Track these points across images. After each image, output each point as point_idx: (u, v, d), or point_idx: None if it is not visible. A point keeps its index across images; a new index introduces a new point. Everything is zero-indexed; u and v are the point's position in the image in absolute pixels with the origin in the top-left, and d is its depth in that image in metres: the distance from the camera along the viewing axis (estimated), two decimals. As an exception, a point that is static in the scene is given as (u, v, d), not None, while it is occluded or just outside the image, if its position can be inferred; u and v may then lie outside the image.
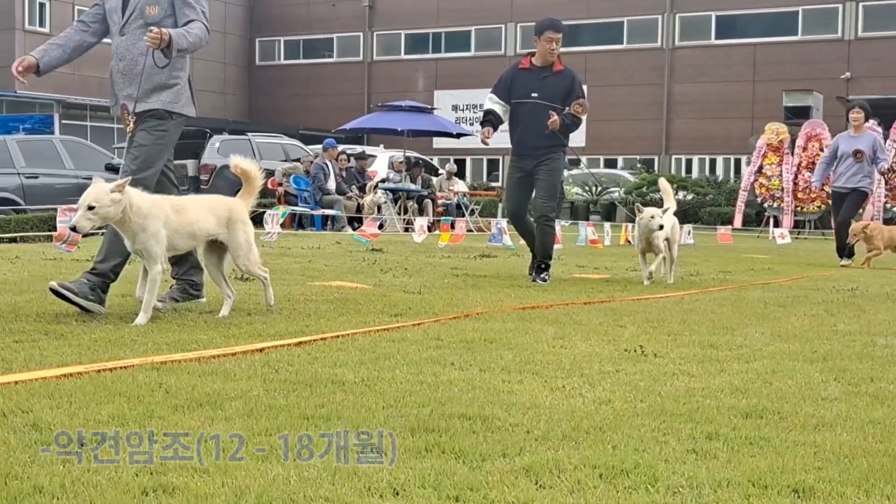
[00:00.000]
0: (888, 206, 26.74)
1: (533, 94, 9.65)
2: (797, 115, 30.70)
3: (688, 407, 3.85)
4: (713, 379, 4.46)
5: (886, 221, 28.33)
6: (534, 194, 9.80)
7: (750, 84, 39.78)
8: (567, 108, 9.58)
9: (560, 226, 16.20)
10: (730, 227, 21.98)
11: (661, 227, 9.31)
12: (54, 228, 10.30)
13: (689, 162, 41.50)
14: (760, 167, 28.09)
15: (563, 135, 9.67)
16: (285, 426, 3.37)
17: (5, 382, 3.87)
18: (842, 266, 13.23)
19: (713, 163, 41.00)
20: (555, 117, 9.45)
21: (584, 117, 9.81)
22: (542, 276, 9.56)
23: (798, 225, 27.38)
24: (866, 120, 13.91)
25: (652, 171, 37.78)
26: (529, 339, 5.53)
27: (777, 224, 26.25)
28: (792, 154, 27.63)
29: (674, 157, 41.65)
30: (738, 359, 5.04)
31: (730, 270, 11.82)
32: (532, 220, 9.77)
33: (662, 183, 10.71)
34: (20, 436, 3.16)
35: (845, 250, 13.62)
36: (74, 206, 9.52)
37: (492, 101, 9.87)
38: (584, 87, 10.17)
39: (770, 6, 40.03)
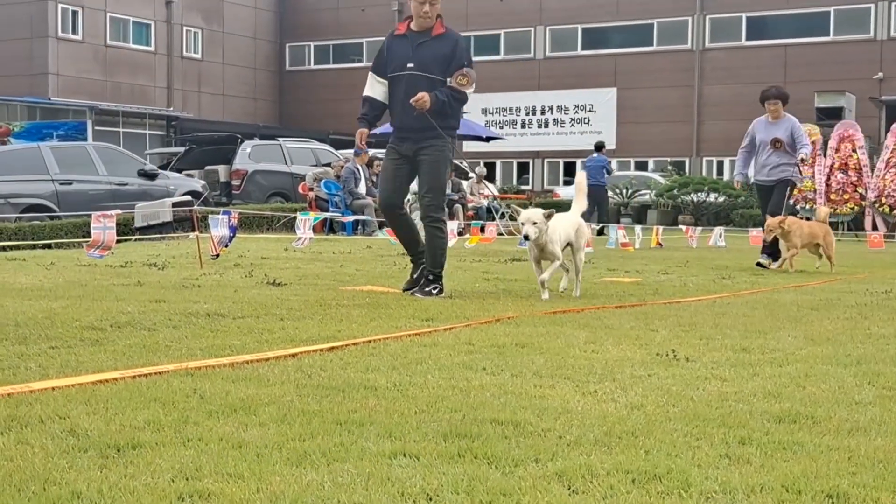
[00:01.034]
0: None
1: (409, 66, 8.21)
2: (829, 117, 30.50)
3: (720, 411, 3.84)
4: (746, 383, 4.45)
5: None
6: (418, 189, 8.58)
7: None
8: (449, 81, 8.14)
9: (591, 228, 16.17)
10: (762, 229, 21.83)
11: (528, 238, 7.92)
12: (88, 235, 10.40)
13: (720, 164, 41.29)
14: (793, 169, 27.86)
15: (439, 115, 8.14)
16: (318, 431, 3.39)
17: (43, 388, 3.92)
18: (757, 264, 12.39)
19: (745, 165, 40.76)
20: (422, 95, 8.00)
21: (470, 91, 8.23)
22: (428, 288, 8.15)
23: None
24: (784, 104, 12.66)
25: (683, 173, 37.64)
26: (561, 343, 5.53)
27: (809, 226, 26.02)
28: (824, 156, 27.44)
29: (705, 159, 41.47)
30: (770, 363, 5.02)
31: (761, 273, 11.77)
32: (402, 213, 8.55)
33: (578, 178, 9.25)
34: (58, 441, 3.20)
35: (767, 248, 12.57)
36: (109, 212, 9.62)
37: (371, 83, 8.47)
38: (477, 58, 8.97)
39: (801, 7, 39.79)
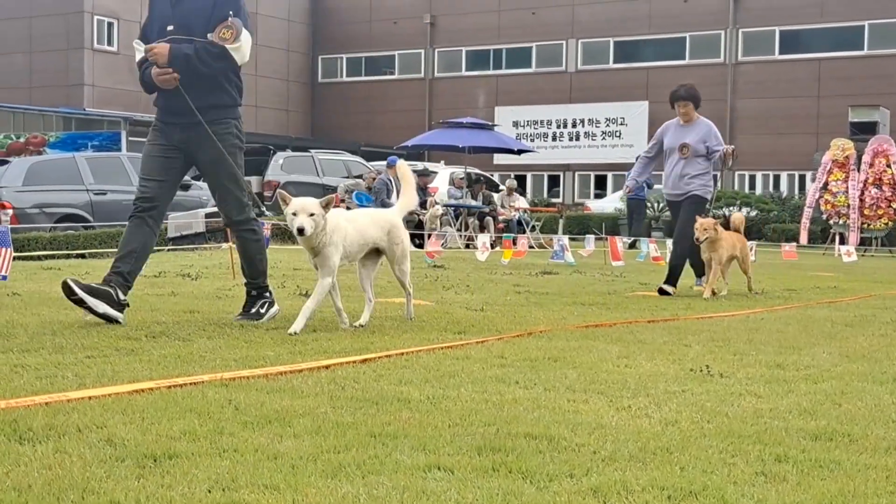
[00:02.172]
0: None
1: (169, 28, 6.55)
2: (863, 131, 30.27)
3: (756, 428, 3.82)
4: (781, 400, 4.42)
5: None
6: (212, 195, 7.12)
7: (815, 99, 39.32)
8: (210, 37, 6.46)
9: (623, 243, 16.14)
10: (794, 244, 21.71)
11: (302, 232, 6.11)
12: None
13: (752, 178, 41.09)
14: (826, 183, 27.72)
15: (200, 88, 6.55)
16: (353, 444, 3.40)
17: (80, 398, 3.95)
18: (659, 291, 10.31)
19: (777, 179, 40.57)
20: (152, 47, 6.44)
21: (235, 46, 6.46)
22: (254, 308, 6.78)
23: (864, 242, 26.96)
24: (696, 107, 10.89)
25: (715, 187, 37.46)
26: (594, 357, 5.52)
27: (843, 241, 25.88)
28: (858, 170, 27.24)
29: (737, 172, 41.27)
30: (805, 379, 4.99)
31: (795, 288, 11.69)
32: (152, 221, 6.67)
33: (400, 167, 7.48)
34: (95, 451, 3.23)
35: (677, 274, 10.52)
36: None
37: (137, 53, 6.76)
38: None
39: (835, 20, 39.58)
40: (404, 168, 7.35)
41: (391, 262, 6.84)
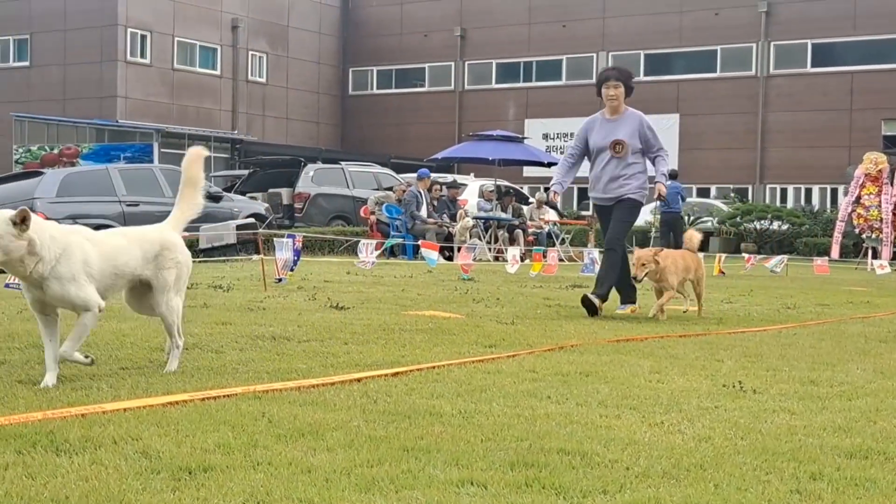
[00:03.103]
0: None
1: None
2: (896, 145, 30.03)
3: (790, 445, 3.79)
4: (815, 417, 4.39)
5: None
6: None
7: (847, 112, 39.06)
8: None
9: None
10: (826, 258, 21.56)
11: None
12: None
13: (783, 191, 40.84)
14: (858, 197, 27.52)
15: None
16: (386, 458, 3.41)
17: (115, 409, 3.99)
18: (584, 302, 8.99)
19: (808, 192, 40.31)
20: None
21: None
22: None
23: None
24: (626, 96, 9.53)
25: (746, 200, 37.28)
26: (625, 372, 5.51)
27: (876, 255, 25.67)
28: (892, 184, 27.01)
29: (768, 186, 41.04)
30: (839, 396, 4.95)
31: (827, 303, 11.60)
32: None
33: (184, 162, 5.45)
34: (131, 463, 3.25)
35: (606, 288, 9.17)
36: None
37: None
38: None
39: (868, 34, 39.32)
40: (188, 162, 5.41)
41: (154, 292, 5.06)
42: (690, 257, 9.53)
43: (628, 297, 9.57)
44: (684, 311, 9.72)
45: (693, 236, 9.92)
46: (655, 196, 9.45)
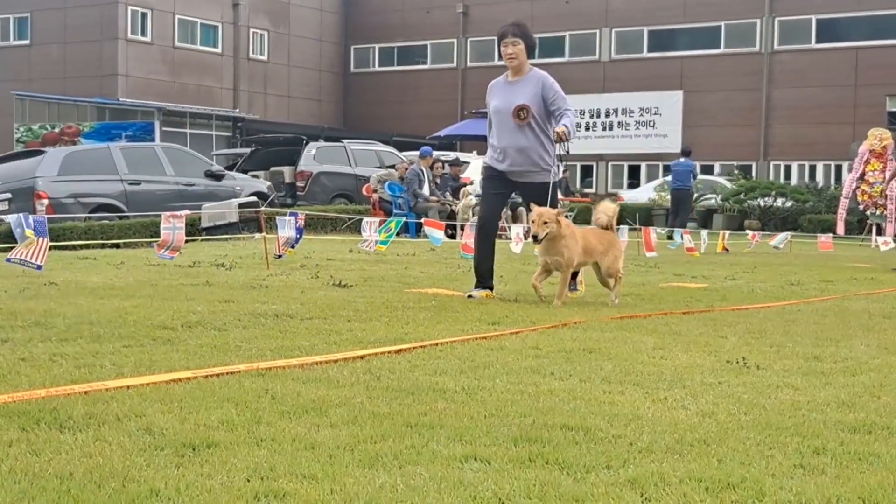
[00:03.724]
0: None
1: None
2: (901, 121, 29.92)
3: (794, 420, 3.79)
4: (819, 392, 4.39)
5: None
6: None
7: (852, 88, 38.92)
8: None
9: (655, 233, 16.07)
10: (831, 235, 21.53)
11: None
12: (156, 234, 10.55)
13: (787, 168, 40.75)
14: (863, 174, 27.45)
15: None
16: (389, 434, 3.41)
17: (118, 387, 3.99)
18: (468, 296, 7.99)
19: (813, 169, 40.21)
20: None
21: None
22: None
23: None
24: (529, 56, 8.25)
25: (749, 177, 37.20)
26: (629, 349, 5.50)
27: (880, 232, 25.63)
28: None
29: (772, 163, 40.95)
30: (843, 371, 4.95)
31: (831, 280, 11.59)
32: None
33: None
34: (135, 439, 3.26)
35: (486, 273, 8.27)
36: (178, 213, 9.75)
37: None
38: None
39: (873, 8, 39.12)
40: None
41: None
42: (598, 237, 8.04)
43: (480, 279, 8.32)
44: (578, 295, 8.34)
45: (605, 209, 8.27)
46: (554, 138, 8.00)
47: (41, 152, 18.81)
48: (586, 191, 40.37)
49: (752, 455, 3.28)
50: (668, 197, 31.50)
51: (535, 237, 7.60)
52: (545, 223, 7.51)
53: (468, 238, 13.79)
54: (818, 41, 40.34)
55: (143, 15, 40.33)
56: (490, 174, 8.45)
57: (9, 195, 17.08)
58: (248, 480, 2.85)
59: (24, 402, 3.67)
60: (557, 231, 7.57)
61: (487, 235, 8.38)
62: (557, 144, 8.03)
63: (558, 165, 8.29)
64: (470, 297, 7.97)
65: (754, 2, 40.95)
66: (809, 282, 11.17)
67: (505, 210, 22.62)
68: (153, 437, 3.29)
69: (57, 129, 34.24)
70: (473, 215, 20.99)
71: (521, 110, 8.08)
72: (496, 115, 8.30)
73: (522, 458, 3.16)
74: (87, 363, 4.60)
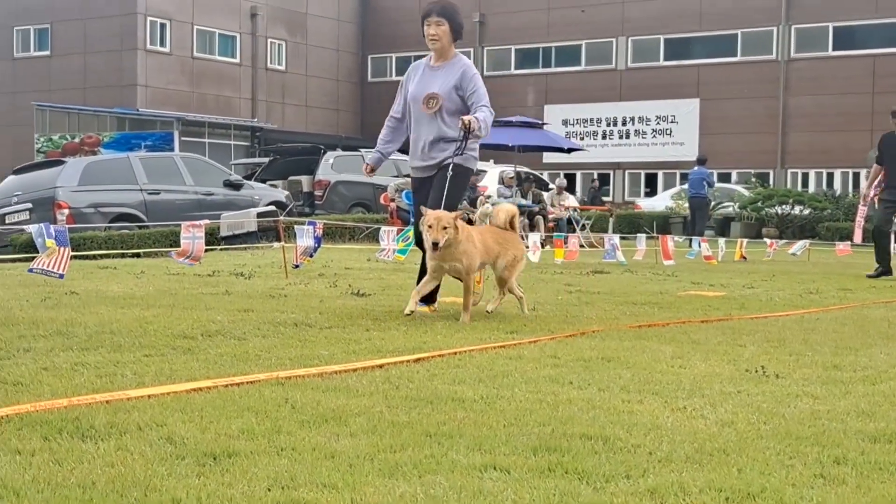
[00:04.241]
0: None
1: None
2: (919, 128, 29.75)
3: (813, 430, 3.78)
4: (838, 401, 4.38)
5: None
6: None
7: (869, 96, 38.79)
8: None
9: (673, 241, 16.06)
10: (849, 242, 21.42)
11: None
12: (176, 244, 10.60)
13: (805, 176, 40.62)
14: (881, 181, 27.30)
15: None
16: (409, 443, 3.42)
17: (139, 396, 4.01)
18: (406, 315, 6.84)
19: (830, 177, 40.07)
20: None
21: None
22: None
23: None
24: (455, 39, 7.52)
25: (767, 185, 37.10)
26: (647, 357, 5.50)
27: (899, 240, 25.47)
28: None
29: (790, 170, 40.82)
30: (863, 381, 4.93)
31: (850, 288, 11.55)
32: None
33: None
34: (156, 449, 3.28)
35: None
36: (198, 222, 9.80)
37: None
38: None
39: (890, 16, 39.00)
40: None
41: None
42: (495, 237, 7.37)
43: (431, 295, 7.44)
44: (488, 311, 7.36)
45: (503, 212, 7.57)
46: (459, 125, 7.19)
47: (62, 162, 18.95)
48: (603, 199, 40.32)
49: (772, 465, 3.28)
50: (686, 205, 31.46)
51: (434, 245, 6.74)
52: (444, 228, 6.75)
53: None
54: (835, 48, 40.23)
55: (162, 25, 40.56)
56: (414, 181, 7.74)
57: (30, 205, 17.21)
58: (269, 490, 2.87)
59: (46, 411, 3.70)
60: (454, 237, 6.81)
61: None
62: (461, 132, 7.22)
63: (461, 153, 7.33)
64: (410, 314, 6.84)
65: (771, 10, 40.88)
66: (828, 290, 11.13)
67: (523, 219, 22.62)
68: (174, 446, 3.31)
69: (77, 140, 34.46)
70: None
71: (430, 99, 7.39)
72: (411, 104, 7.53)
73: (542, 467, 3.17)
74: (109, 372, 4.63)
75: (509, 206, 7.76)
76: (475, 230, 7.34)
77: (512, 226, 7.56)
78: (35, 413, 3.67)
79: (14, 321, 6.22)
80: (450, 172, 7.28)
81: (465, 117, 7.19)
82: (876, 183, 13.83)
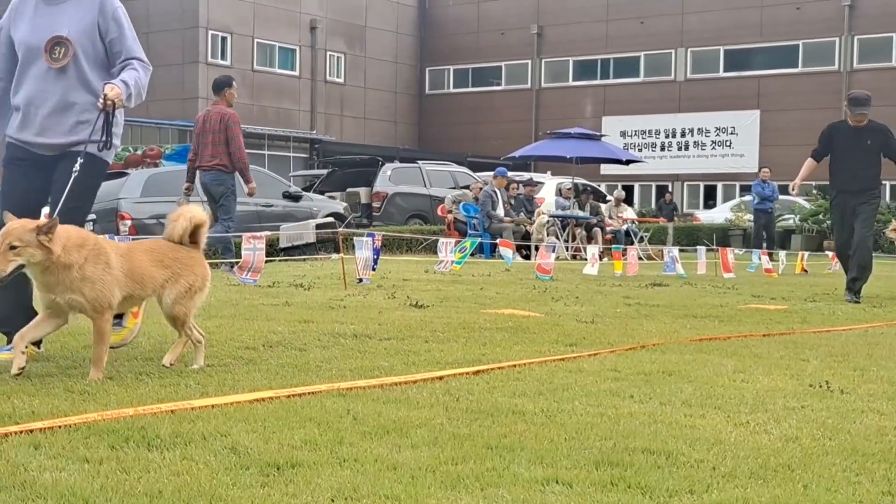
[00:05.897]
0: None
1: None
2: None
3: (880, 446, 3.73)
4: (905, 418, 4.31)
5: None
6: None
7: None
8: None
9: (733, 254, 15.91)
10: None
11: None
12: (238, 256, 10.70)
13: (868, 188, 40.00)
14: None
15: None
16: (470, 455, 3.42)
17: (203, 406, 4.06)
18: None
19: (894, 189, 39.45)
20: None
21: None
22: None
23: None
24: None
25: (828, 197, 36.60)
26: (709, 371, 5.45)
27: (965, 253, 25.02)
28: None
29: (852, 182, 40.21)
30: (930, 397, 4.85)
31: (916, 302, 11.35)
32: None
33: None
34: (220, 458, 3.31)
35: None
36: (258, 234, 9.90)
37: None
38: None
39: (956, 25, 38.36)
40: None
41: None
42: (159, 256, 5.12)
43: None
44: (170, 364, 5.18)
45: (177, 219, 5.25)
46: (100, 101, 5.28)
47: (125, 174, 19.22)
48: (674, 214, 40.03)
49: (839, 481, 3.23)
50: (746, 217, 31.14)
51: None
52: (13, 248, 4.52)
53: (543, 258, 13.79)
54: (900, 59, 39.64)
55: (223, 39, 41.06)
56: (13, 155, 5.46)
57: (93, 216, 17.44)
58: (333, 500, 2.89)
59: (112, 420, 3.76)
60: (43, 259, 4.57)
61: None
62: (100, 112, 5.28)
63: (104, 141, 5.37)
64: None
65: (833, 20, 40.40)
66: (893, 304, 10.94)
67: (580, 230, 22.55)
68: (238, 456, 3.35)
69: (139, 152, 34.95)
70: (548, 235, 20.96)
71: (56, 46, 5.33)
72: (22, 52, 5.40)
73: (604, 481, 3.15)
74: (173, 382, 4.69)
75: (194, 210, 5.35)
76: (124, 246, 5.21)
77: (194, 240, 5.28)
78: (102, 422, 3.73)
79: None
80: (76, 167, 5.16)
81: (106, 88, 5.25)
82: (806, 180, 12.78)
